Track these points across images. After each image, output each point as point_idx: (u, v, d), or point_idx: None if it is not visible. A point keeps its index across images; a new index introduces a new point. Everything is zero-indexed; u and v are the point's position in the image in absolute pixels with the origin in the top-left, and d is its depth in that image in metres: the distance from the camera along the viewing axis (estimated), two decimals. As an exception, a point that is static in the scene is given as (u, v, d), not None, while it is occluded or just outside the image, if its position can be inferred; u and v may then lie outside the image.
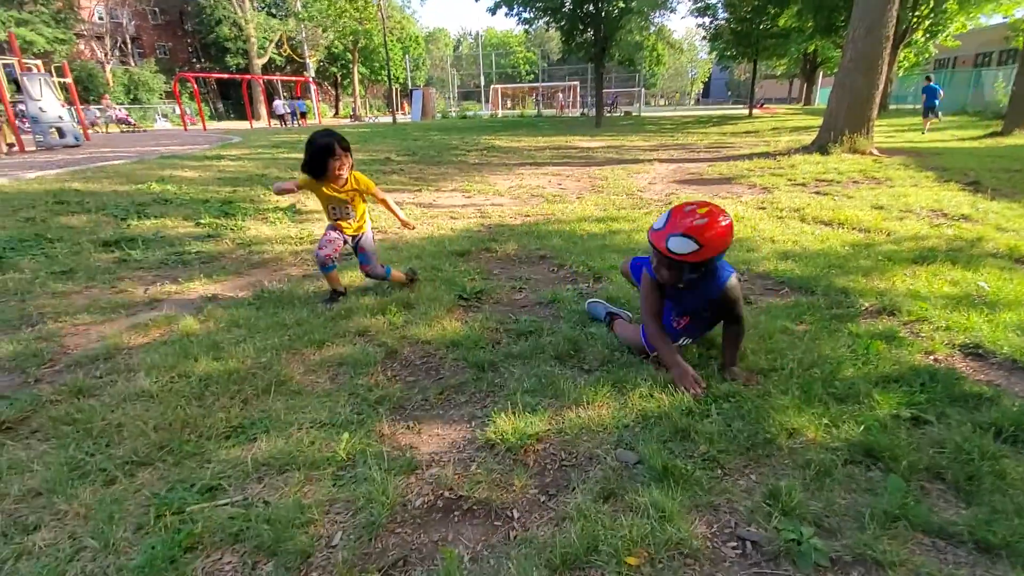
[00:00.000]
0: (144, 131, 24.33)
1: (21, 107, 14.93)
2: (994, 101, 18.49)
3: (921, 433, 1.73)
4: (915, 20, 21.26)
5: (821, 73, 38.35)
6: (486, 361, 2.28)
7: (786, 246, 3.94)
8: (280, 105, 30.75)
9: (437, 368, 2.30)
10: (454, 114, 37.45)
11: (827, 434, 1.73)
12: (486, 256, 3.98)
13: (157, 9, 43.55)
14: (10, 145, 13.19)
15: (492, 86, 41.90)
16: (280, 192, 2.91)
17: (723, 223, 1.90)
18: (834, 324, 2.57)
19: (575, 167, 9.26)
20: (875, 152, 9.21)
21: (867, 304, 2.81)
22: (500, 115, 35.45)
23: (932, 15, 21.51)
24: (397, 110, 33.30)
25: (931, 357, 2.26)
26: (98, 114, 25.52)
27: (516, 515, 1.47)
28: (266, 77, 36.02)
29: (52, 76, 14.81)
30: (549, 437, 1.78)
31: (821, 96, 40.74)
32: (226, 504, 1.51)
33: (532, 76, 57.11)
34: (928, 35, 23.45)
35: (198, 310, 2.97)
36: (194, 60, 44.92)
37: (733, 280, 2.05)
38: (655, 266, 2.08)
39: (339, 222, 3.00)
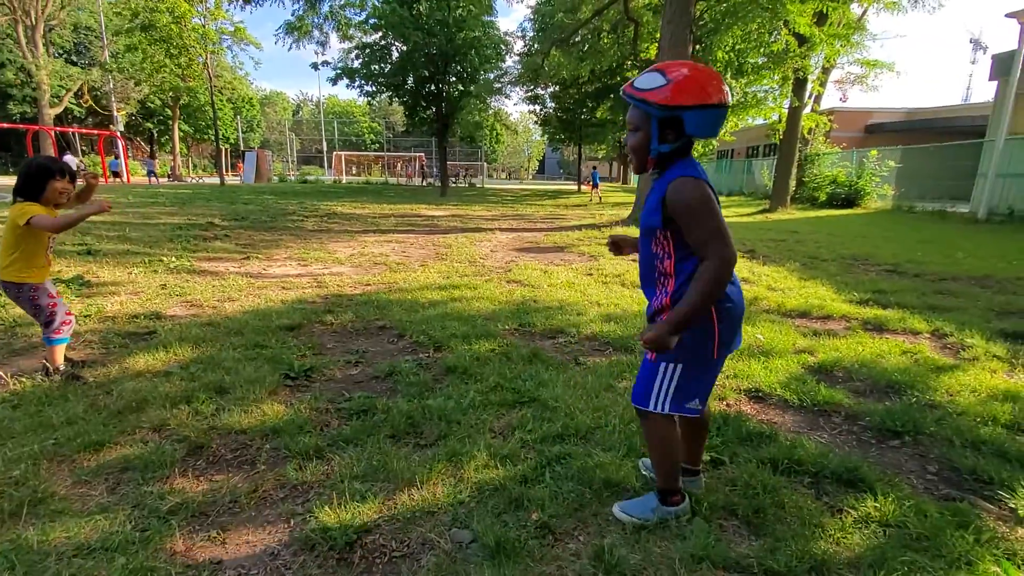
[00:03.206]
0: None
1: None
2: (762, 185, 23.13)
3: (718, 473, 1.95)
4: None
5: (633, 157, 45.14)
6: (311, 447, 2.07)
7: (610, 309, 4.35)
8: (72, 160, 26.59)
9: (252, 462, 2.03)
10: (293, 178, 35.94)
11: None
12: (320, 329, 3.73)
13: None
14: None
15: (335, 152, 41.38)
16: (54, 228, 2.53)
17: (702, 69, 1.45)
18: (649, 379, 2.84)
19: (420, 235, 9.37)
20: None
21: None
22: (344, 181, 34.88)
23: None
24: (226, 171, 30.93)
25: (724, 403, 2.61)
26: None
27: (337, 627, 1.30)
28: (60, 129, 31.02)
29: None
30: (379, 527, 1.65)
31: (635, 177, 47.64)
32: None
33: (377, 145, 57.91)
34: (702, 133, 29.00)
35: (-84, 416, 2.27)
36: (-40, 104, 37.24)
37: (686, 179, 1.44)
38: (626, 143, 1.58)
39: (51, 262, 2.80)
